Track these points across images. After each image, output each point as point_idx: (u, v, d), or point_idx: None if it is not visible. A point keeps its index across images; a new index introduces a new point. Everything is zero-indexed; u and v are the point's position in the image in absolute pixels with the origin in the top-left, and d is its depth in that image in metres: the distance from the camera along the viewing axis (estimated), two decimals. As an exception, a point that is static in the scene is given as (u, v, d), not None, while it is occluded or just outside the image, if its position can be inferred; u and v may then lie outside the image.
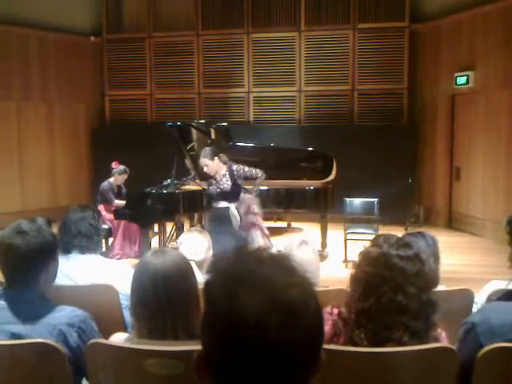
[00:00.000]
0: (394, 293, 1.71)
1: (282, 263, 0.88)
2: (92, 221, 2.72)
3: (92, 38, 10.26)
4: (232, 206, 5.88)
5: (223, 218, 5.82)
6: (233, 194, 5.94)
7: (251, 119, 10.05)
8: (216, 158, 5.88)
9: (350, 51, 9.61)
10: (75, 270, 2.56)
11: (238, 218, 5.86)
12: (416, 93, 9.52)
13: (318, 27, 9.66)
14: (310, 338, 0.84)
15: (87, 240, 2.66)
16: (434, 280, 2.37)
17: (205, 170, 5.94)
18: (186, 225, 7.18)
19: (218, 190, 5.90)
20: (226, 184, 5.91)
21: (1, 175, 9.03)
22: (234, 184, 5.92)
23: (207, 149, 5.97)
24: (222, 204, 5.90)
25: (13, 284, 1.94)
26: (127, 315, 2.25)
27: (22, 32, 9.17)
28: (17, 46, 9.20)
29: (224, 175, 5.94)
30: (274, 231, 8.32)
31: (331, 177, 7.23)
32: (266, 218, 8.62)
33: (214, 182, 5.94)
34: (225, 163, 5.95)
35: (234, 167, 5.97)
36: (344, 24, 9.58)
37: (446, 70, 8.79)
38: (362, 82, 9.62)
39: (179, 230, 6.57)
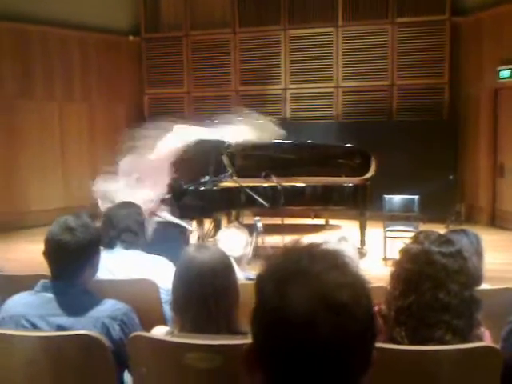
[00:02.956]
0: (435, 290, 1.68)
1: (335, 261, 0.88)
2: (138, 217, 2.77)
3: (131, 38, 10.43)
4: None
5: None
6: None
7: (288, 116, 10.03)
8: None
9: (388, 46, 9.47)
10: (118, 264, 2.60)
11: None
12: (457, 87, 9.30)
13: (355, 22, 9.55)
14: (361, 338, 0.83)
15: (134, 236, 2.70)
16: (478, 278, 2.32)
17: None
18: (224, 221, 7.22)
19: None
20: None
21: (45, 174, 9.30)
22: None
23: None
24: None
25: (60, 277, 2.00)
26: (167, 310, 2.28)
27: (63, 33, 9.40)
28: (58, 48, 9.43)
29: None
30: (312, 228, 8.30)
31: (370, 173, 7.14)
32: (303, 215, 8.63)
33: None
34: None
35: None
36: (382, 18, 9.44)
37: (489, 64, 8.56)
38: (401, 76, 9.46)
39: (217, 226, 6.61)
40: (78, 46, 9.70)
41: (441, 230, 2.58)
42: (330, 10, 9.66)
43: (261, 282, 0.88)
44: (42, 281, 2.01)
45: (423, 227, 6.43)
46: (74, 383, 1.84)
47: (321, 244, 0.91)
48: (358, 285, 0.86)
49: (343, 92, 9.76)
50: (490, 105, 8.73)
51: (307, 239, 0.96)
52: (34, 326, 1.91)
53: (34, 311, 1.92)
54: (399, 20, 9.38)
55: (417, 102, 9.37)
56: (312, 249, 0.90)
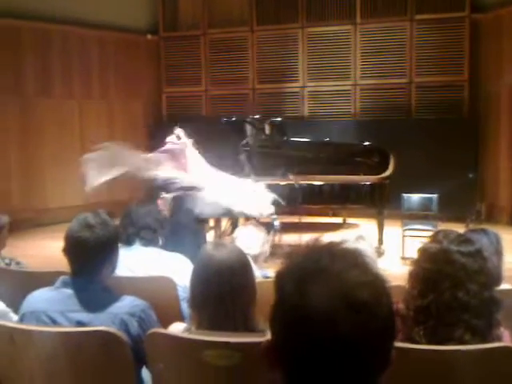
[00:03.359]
0: (454, 290, 1.67)
1: (355, 260, 0.88)
2: (157, 215, 2.82)
3: (149, 36, 10.49)
4: None
5: None
6: None
7: (306, 114, 10.00)
8: None
9: (407, 43, 9.39)
10: (137, 261, 2.63)
11: None
12: (477, 85, 9.18)
13: (373, 20, 9.48)
14: (381, 337, 0.83)
15: (153, 233, 2.74)
16: (498, 278, 2.29)
17: None
18: (241, 219, 7.23)
19: None
20: None
21: (64, 171, 9.39)
22: None
23: None
24: None
25: (79, 274, 2.03)
26: (185, 307, 2.29)
27: (82, 33, 9.48)
28: (77, 47, 9.52)
29: None
30: (329, 227, 8.27)
31: (388, 172, 7.09)
32: (321, 214, 8.60)
33: None
34: None
35: None
36: (401, 16, 9.36)
37: (509, 61, 8.44)
38: (419, 74, 9.38)
39: (234, 224, 6.62)
40: (97, 44, 9.78)
41: (460, 229, 2.56)
42: (347, 7, 9.60)
43: (281, 280, 0.89)
44: (62, 277, 2.04)
45: (442, 226, 6.37)
46: (93, 379, 1.86)
47: (341, 243, 0.91)
48: (378, 283, 0.86)
49: (361, 90, 9.70)
50: (511, 103, 8.61)
51: (326, 238, 0.96)
52: (54, 322, 1.94)
53: (55, 307, 1.95)
54: (418, 17, 9.29)
55: (436, 100, 9.28)
56: (332, 248, 0.90)
